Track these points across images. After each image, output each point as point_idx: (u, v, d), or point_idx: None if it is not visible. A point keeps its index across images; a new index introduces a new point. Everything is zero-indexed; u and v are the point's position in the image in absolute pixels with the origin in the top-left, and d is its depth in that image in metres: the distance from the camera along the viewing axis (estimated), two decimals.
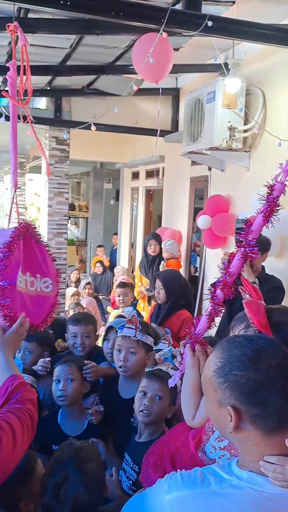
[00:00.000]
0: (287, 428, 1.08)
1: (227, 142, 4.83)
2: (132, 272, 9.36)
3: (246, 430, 1.08)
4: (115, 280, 7.04)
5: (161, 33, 2.87)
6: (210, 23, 2.86)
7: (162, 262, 5.08)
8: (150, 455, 1.76)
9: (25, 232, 2.07)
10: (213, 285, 1.72)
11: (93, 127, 4.42)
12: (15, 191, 2.61)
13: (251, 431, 1.08)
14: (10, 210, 2.59)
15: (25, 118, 2.90)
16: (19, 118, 3.15)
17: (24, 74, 3.04)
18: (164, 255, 5.58)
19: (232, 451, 1.44)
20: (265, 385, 1.05)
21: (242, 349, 1.10)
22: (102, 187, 12.55)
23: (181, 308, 3.56)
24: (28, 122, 2.88)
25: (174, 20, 2.86)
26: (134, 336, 2.37)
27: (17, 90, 3.06)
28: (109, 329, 2.80)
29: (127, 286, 5.07)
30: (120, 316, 3.69)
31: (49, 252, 2.23)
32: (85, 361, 2.51)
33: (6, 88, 5.82)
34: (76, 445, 1.69)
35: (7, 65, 3.02)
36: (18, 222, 2.08)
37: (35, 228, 2.17)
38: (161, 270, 4.93)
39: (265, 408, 1.05)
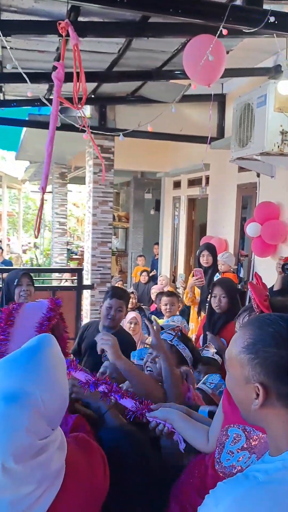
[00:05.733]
0: None
1: (278, 146, 4.65)
2: (174, 282, 9.21)
3: (272, 407, 1.05)
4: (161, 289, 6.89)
5: (221, 30, 2.74)
6: (272, 19, 2.72)
7: (217, 275, 4.90)
8: (175, 501, 1.62)
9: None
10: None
11: (149, 128, 4.32)
12: (43, 193, 2.52)
13: (278, 408, 1.04)
14: (39, 212, 2.48)
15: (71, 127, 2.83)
16: (73, 125, 3.10)
17: (78, 76, 2.99)
18: (222, 267, 5.39)
19: (253, 450, 1.39)
20: None
21: (274, 326, 1.06)
22: (143, 197, 12.49)
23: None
24: (84, 127, 2.81)
25: (234, 16, 2.73)
26: (170, 341, 2.27)
27: (70, 98, 3.01)
28: None
29: (174, 295, 4.92)
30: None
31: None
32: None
33: (51, 97, 5.85)
34: None
35: (54, 64, 2.97)
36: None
37: (61, 315, 1.89)
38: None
39: None
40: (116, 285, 7.31)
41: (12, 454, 1.04)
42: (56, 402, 1.14)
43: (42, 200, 2.49)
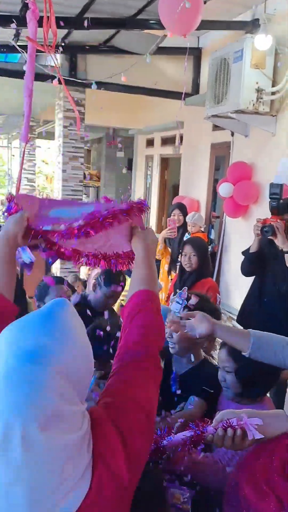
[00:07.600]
0: None
1: (253, 104, 4.56)
2: None
3: None
4: None
5: None
6: None
7: (187, 235, 4.83)
8: (246, 480, 1.41)
9: None
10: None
11: (123, 78, 4.15)
12: (25, 144, 2.39)
13: None
14: (21, 166, 2.36)
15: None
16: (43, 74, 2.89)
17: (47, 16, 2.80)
18: (192, 229, 5.30)
19: None
20: None
21: None
22: (115, 155, 12.22)
23: (206, 276, 3.42)
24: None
25: None
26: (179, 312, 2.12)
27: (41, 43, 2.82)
28: None
29: None
30: None
31: None
32: None
33: (18, 43, 5.52)
34: None
35: (26, 1, 2.78)
36: None
37: None
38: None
39: None
40: None
41: (36, 418, 0.86)
42: (78, 361, 0.98)
43: (23, 155, 2.34)
